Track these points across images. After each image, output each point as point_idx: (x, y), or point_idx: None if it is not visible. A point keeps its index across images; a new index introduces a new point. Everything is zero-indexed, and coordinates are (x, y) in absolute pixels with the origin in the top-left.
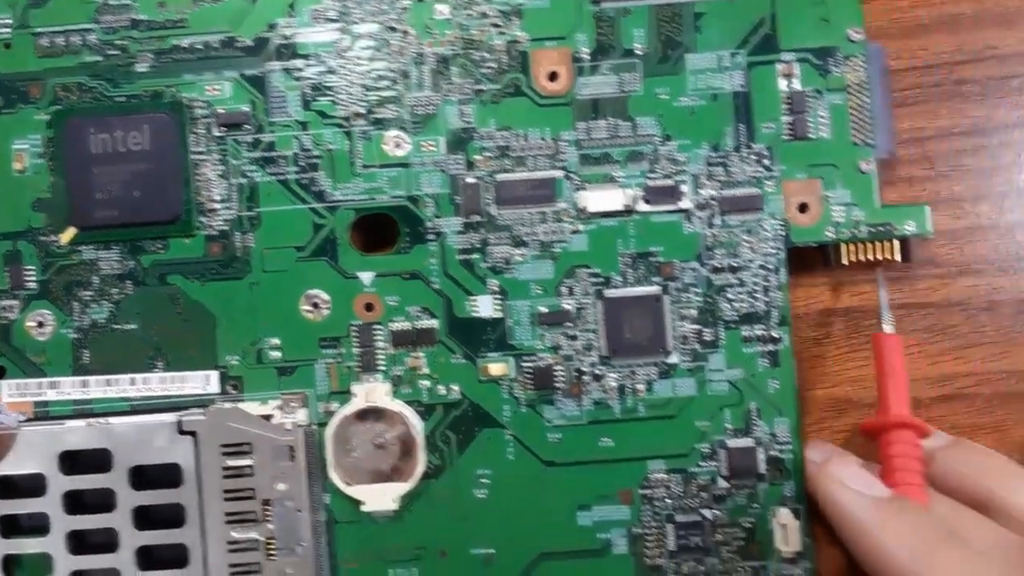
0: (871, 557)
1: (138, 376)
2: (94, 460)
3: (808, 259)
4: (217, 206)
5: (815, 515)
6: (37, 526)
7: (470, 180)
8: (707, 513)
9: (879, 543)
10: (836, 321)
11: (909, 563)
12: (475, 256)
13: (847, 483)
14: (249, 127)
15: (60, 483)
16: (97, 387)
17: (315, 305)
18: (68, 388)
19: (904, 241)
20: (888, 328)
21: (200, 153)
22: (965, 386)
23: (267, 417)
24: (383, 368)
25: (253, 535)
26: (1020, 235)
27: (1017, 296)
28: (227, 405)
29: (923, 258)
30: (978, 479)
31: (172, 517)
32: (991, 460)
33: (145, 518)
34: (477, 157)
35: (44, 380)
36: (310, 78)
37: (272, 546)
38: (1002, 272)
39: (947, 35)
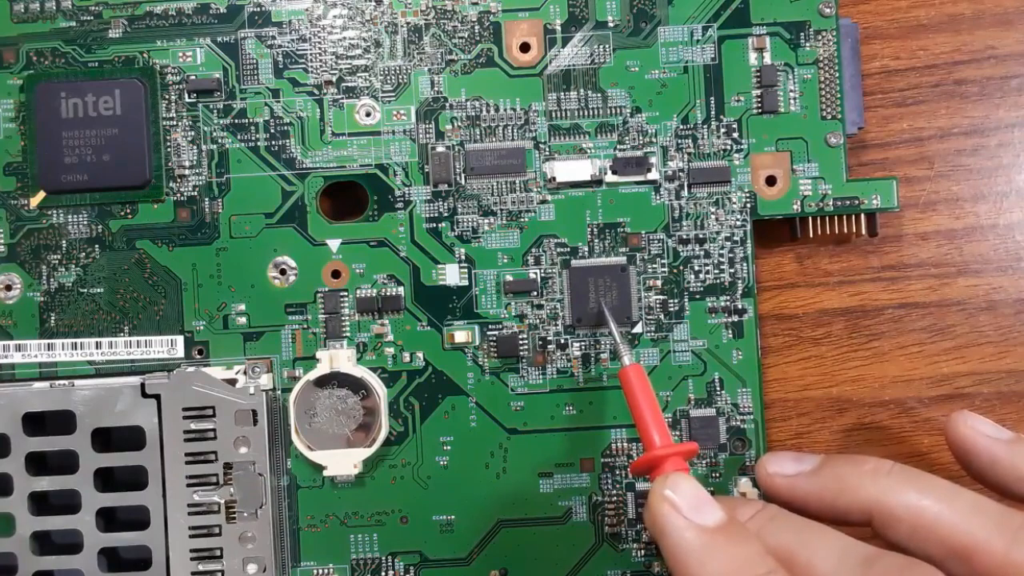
0: None
1: (104, 340)
2: (57, 422)
3: (775, 232)
4: (187, 172)
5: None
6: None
7: (440, 149)
8: None
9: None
10: (836, 321)
11: None
12: (443, 225)
13: (678, 505)
14: (220, 94)
15: (23, 444)
16: (63, 350)
17: (282, 271)
18: (34, 351)
19: (871, 215)
20: (627, 360)
21: (171, 119)
22: (964, 386)
23: (231, 382)
24: (348, 335)
25: (214, 498)
26: (1019, 235)
27: (1016, 296)
28: (191, 369)
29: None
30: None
31: (134, 479)
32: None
33: (107, 480)
34: (447, 126)
35: (10, 343)
36: (283, 46)
37: (233, 509)
38: (1001, 272)
39: (946, 35)
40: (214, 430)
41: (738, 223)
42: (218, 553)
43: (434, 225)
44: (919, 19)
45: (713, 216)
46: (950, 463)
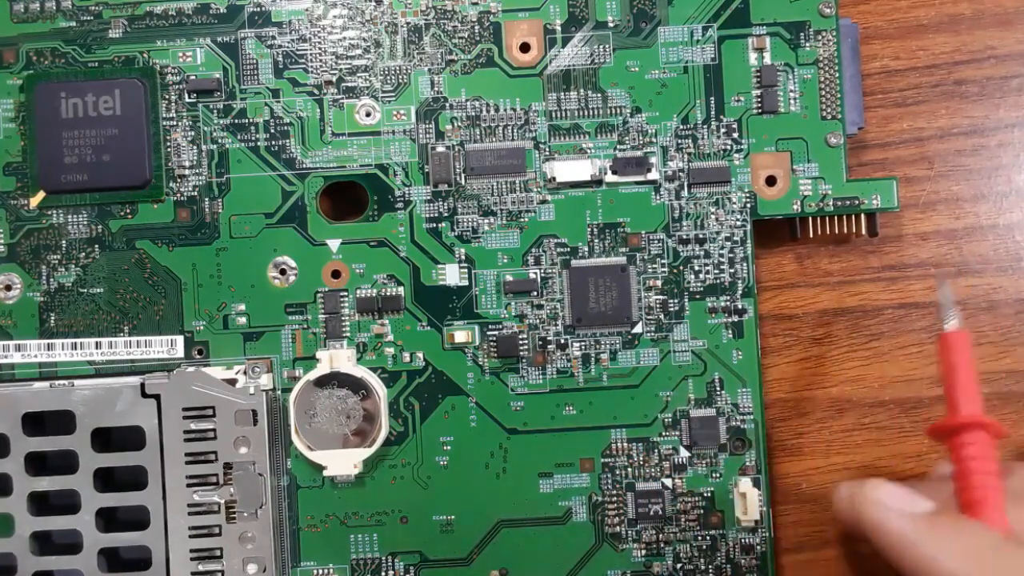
0: (924, 573)
1: (104, 340)
2: (57, 422)
3: (775, 232)
4: (187, 172)
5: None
6: None
7: (440, 149)
8: (667, 482)
9: (931, 557)
10: (836, 321)
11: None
12: (443, 225)
13: (888, 503)
14: (220, 94)
15: (23, 444)
16: (63, 350)
17: (282, 271)
18: (34, 351)
19: (871, 215)
20: (951, 325)
21: (171, 119)
22: None
23: (231, 382)
24: (348, 335)
25: (214, 498)
26: (1019, 235)
27: (1016, 296)
28: (190, 369)
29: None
30: None
31: (134, 479)
32: None
33: (107, 480)
34: (447, 127)
35: (10, 343)
36: (283, 46)
37: (233, 509)
38: (1001, 272)
39: (946, 35)
40: (214, 430)
41: (738, 223)
42: (218, 553)
43: (434, 225)
44: (919, 19)
45: (713, 216)
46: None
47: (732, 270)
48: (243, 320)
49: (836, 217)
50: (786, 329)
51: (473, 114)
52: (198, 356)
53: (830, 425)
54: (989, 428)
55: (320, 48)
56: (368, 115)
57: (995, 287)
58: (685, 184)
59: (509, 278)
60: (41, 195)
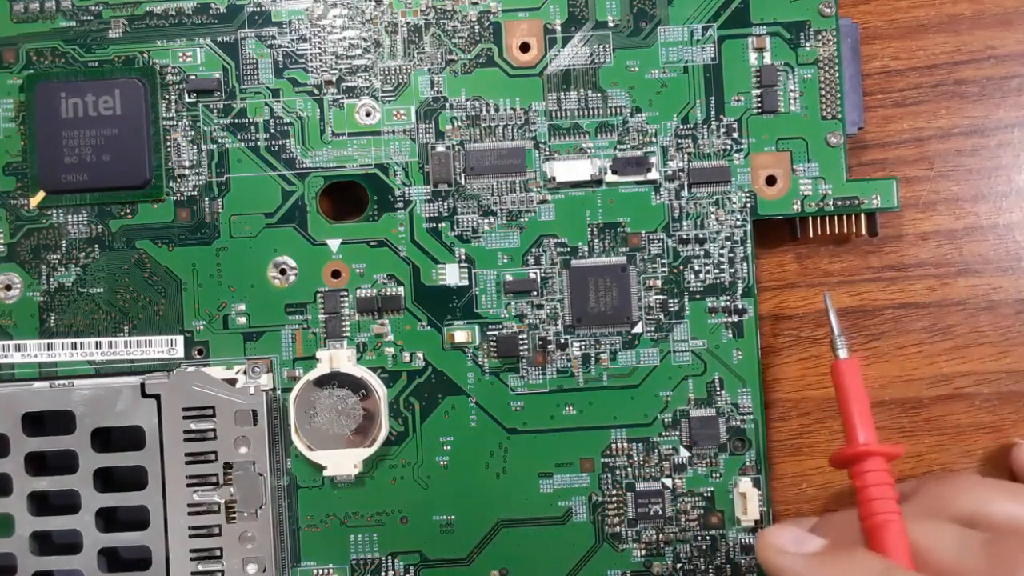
0: None
1: (104, 340)
2: (57, 422)
3: (775, 232)
4: (187, 172)
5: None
6: None
7: (440, 149)
8: (667, 482)
9: None
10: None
11: None
12: (443, 225)
13: (781, 547)
14: (220, 94)
15: (22, 444)
16: (63, 350)
17: (282, 271)
18: (34, 351)
19: (871, 215)
20: (843, 353)
21: (171, 119)
22: (964, 386)
23: (231, 382)
24: (348, 335)
25: (214, 498)
26: (1019, 235)
27: (1016, 296)
28: (191, 369)
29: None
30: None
31: (134, 479)
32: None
33: (107, 480)
34: (447, 126)
35: (10, 343)
36: (283, 46)
37: (233, 509)
38: (1001, 272)
39: (946, 35)
40: (214, 430)
41: (738, 223)
42: (218, 553)
43: (434, 225)
44: (919, 19)
45: (713, 216)
46: (950, 463)
47: (732, 270)
48: (243, 320)
49: (836, 217)
50: (786, 329)
51: (473, 114)
52: (198, 356)
53: (830, 425)
54: (885, 454)
55: (320, 48)
56: (368, 115)
57: (995, 287)
58: (685, 184)
59: (509, 278)
60: (41, 195)
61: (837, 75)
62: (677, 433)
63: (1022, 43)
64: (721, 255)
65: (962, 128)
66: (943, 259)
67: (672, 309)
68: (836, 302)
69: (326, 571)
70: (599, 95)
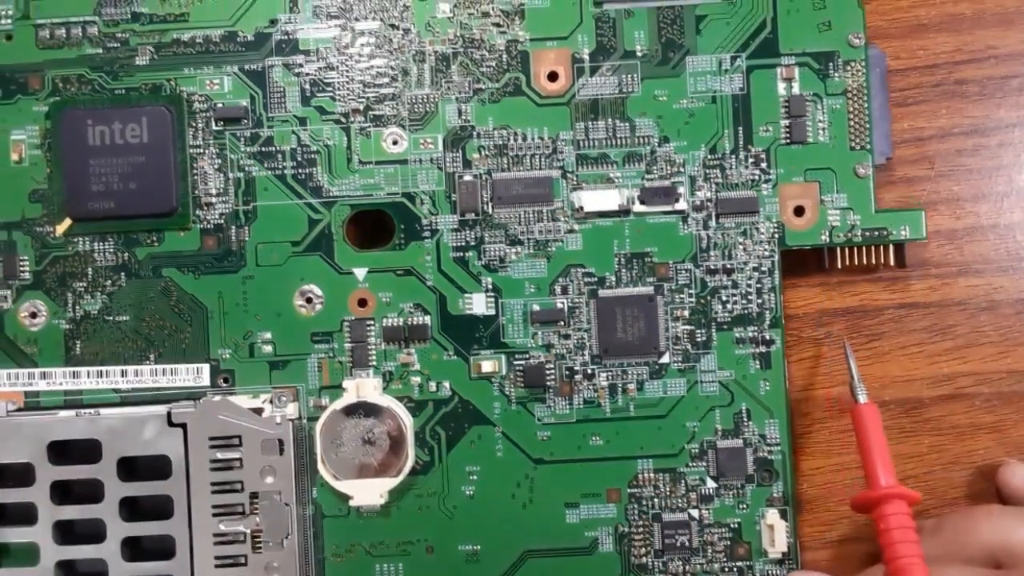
0: None
1: (129, 368)
2: (83, 450)
3: (803, 262)
4: (213, 200)
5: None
6: (24, 515)
7: (467, 178)
8: (694, 513)
9: None
10: (836, 321)
11: None
12: (470, 254)
13: None
14: (247, 121)
15: (48, 473)
16: (88, 378)
17: (308, 300)
18: (59, 379)
19: (899, 246)
20: (862, 398)
21: (198, 147)
22: (965, 386)
23: (257, 411)
24: (374, 364)
25: (240, 528)
26: (1020, 235)
27: (1017, 296)
28: (217, 398)
29: (918, 262)
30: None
31: (160, 508)
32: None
33: (132, 509)
34: (475, 155)
35: (35, 370)
36: (310, 74)
37: (259, 539)
38: (1002, 272)
39: (947, 35)
40: (240, 459)
41: (766, 253)
42: None
43: (461, 254)
44: (919, 19)
45: (741, 246)
46: (950, 463)
47: (760, 300)
48: (269, 348)
49: (864, 247)
50: (787, 329)
51: (500, 143)
52: (224, 384)
53: (830, 425)
54: (906, 497)
55: (347, 76)
56: (395, 143)
57: (996, 287)
58: (713, 214)
59: (536, 308)
60: (68, 222)
61: (866, 105)
62: (704, 464)
63: (1023, 43)
64: (749, 286)
65: (963, 128)
66: (944, 259)
67: (699, 339)
68: (836, 302)
69: None
70: (627, 124)
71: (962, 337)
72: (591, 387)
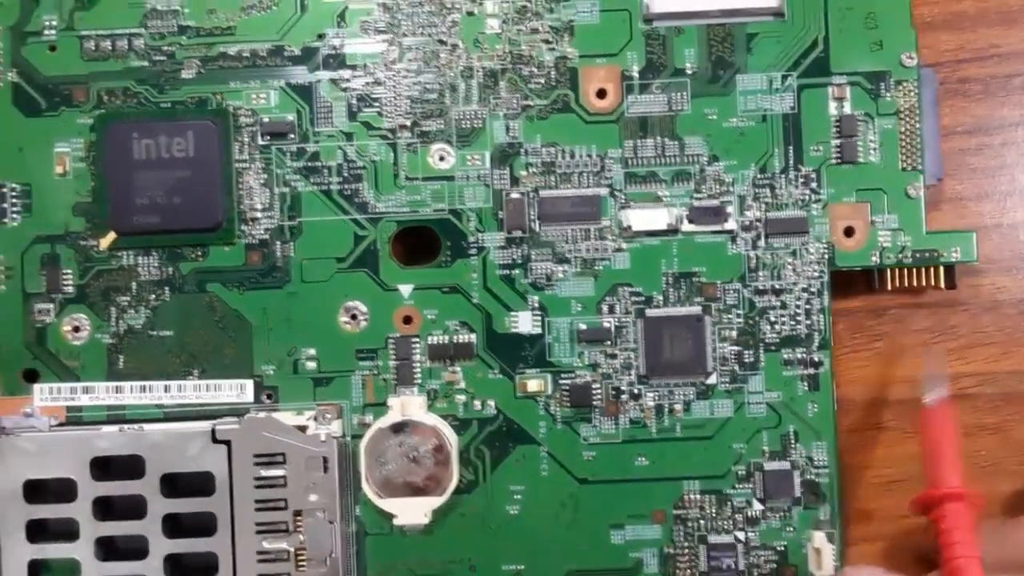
0: None
1: (172, 383)
2: (126, 466)
3: (852, 283)
4: (259, 215)
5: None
6: (66, 531)
7: (514, 195)
8: (740, 535)
9: None
10: (838, 321)
11: None
12: (516, 272)
13: None
14: (293, 136)
15: (91, 489)
16: (131, 393)
17: (353, 316)
18: (102, 393)
19: (949, 268)
20: (939, 398)
21: (243, 161)
22: (968, 386)
23: (301, 428)
24: (419, 381)
25: (283, 545)
26: (1023, 234)
27: (1020, 296)
28: (261, 415)
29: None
30: None
31: (203, 525)
32: None
33: (175, 526)
34: (522, 172)
35: (78, 385)
36: (357, 89)
37: (302, 557)
38: (1005, 272)
39: (950, 34)
40: (284, 477)
41: (815, 274)
42: None
43: (507, 272)
44: (923, 17)
45: (790, 267)
46: None
47: (808, 322)
48: (313, 365)
49: (913, 269)
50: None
51: (548, 160)
52: (267, 401)
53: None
54: (969, 499)
55: (395, 92)
56: (442, 159)
57: (999, 287)
58: (762, 234)
59: (582, 327)
60: (112, 236)
61: (918, 126)
62: (751, 486)
63: None
64: (798, 307)
65: (966, 127)
66: None
67: (747, 360)
68: (838, 302)
69: None
70: (676, 143)
71: (965, 337)
72: (637, 407)
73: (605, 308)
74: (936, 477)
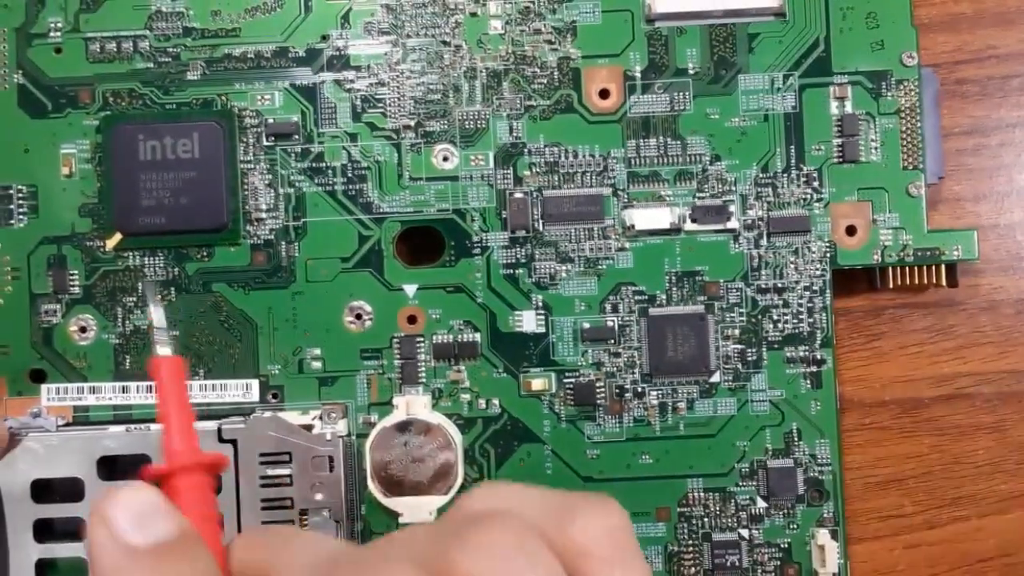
0: None
1: None
2: (132, 466)
3: (854, 281)
4: (264, 215)
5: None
6: (73, 531)
7: (518, 195)
8: (744, 533)
9: None
10: (836, 321)
11: None
12: (520, 271)
13: (113, 521)
14: (298, 137)
15: (98, 488)
16: (138, 393)
17: (358, 316)
18: (109, 393)
19: (951, 266)
20: (164, 351)
21: (248, 162)
22: (965, 386)
23: (307, 427)
24: (424, 380)
25: None
26: (1020, 235)
27: (1017, 296)
28: (267, 414)
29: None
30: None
31: None
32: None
33: None
34: (526, 172)
35: (84, 385)
36: (361, 90)
37: None
38: (1002, 272)
39: (947, 35)
40: (290, 476)
41: (817, 273)
42: None
43: (511, 271)
44: (920, 18)
45: (792, 265)
46: (950, 463)
47: (811, 320)
48: (318, 365)
49: (915, 267)
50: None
51: (551, 160)
52: (273, 400)
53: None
54: (208, 466)
55: (398, 92)
56: (446, 160)
57: (996, 287)
58: (764, 233)
59: (586, 326)
60: (118, 237)
61: (919, 125)
62: (754, 483)
63: (1023, 42)
64: (800, 305)
65: (963, 127)
66: None
67: (750, 359)
68: (836, 302)
69: None
70: (678, 142)
71: (962, 337)
72: (641, 405)
73: (608, 307)
74: (168, 445)
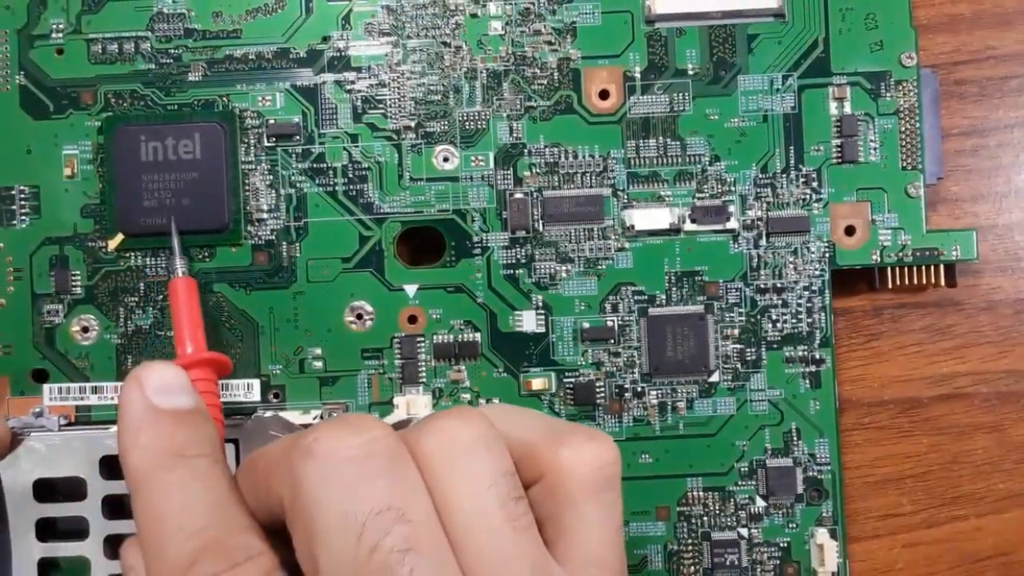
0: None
1: None
2: None
3: (853, 281)
4: (265, 216)
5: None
6: (75, 530)
7: (518, 195)
8: (744, 532)
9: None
10: (836, 321)
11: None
12: (520, 271)
13: (145, 383)
14: (299, 138)
15: (100, 487)
16: None
17: (359, 316)
18: (111, 393)
19: (949, 266)
20: (181, 272)
21: (250, 163)
22: (964, 386)
23: (308, 427)
24: (424, 380)
25: None
26: (1019, 235)
27: (1016, 296)
28: (268, 414)
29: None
30: None
31: None
32: None
33: None
34: (526, 173)
35: (87, 385)
36: (361, 91)
37: None
38: (1001, 272)
39: (946, 35)
40: None
41: (816, 273)
42: None
43: (511, 271)
44: (919, 19)
45: (791, 265)
46: (949, 463)
47: (810, 320)
48: (319, 364)
49: (914, 267)
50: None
51: (551, 160)
52: (274, 400)
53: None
54: (214, 364)
55: (399, 93)
56: (446, 160)
57: (994, 287)
58: (764, 233)
59: (586, 325)
60: (120, 238)
61: (918, 126)
62: (754, 483)
63: (1022, 43)
64: (799, 305)
65: (961, 128)
66: None
67: (749, 358)
68: (836, 302)
69: None
70: (678, 143)
71: (961, 337)
72: (641, 405)
73: (608, 307)
74: (182, 344)
